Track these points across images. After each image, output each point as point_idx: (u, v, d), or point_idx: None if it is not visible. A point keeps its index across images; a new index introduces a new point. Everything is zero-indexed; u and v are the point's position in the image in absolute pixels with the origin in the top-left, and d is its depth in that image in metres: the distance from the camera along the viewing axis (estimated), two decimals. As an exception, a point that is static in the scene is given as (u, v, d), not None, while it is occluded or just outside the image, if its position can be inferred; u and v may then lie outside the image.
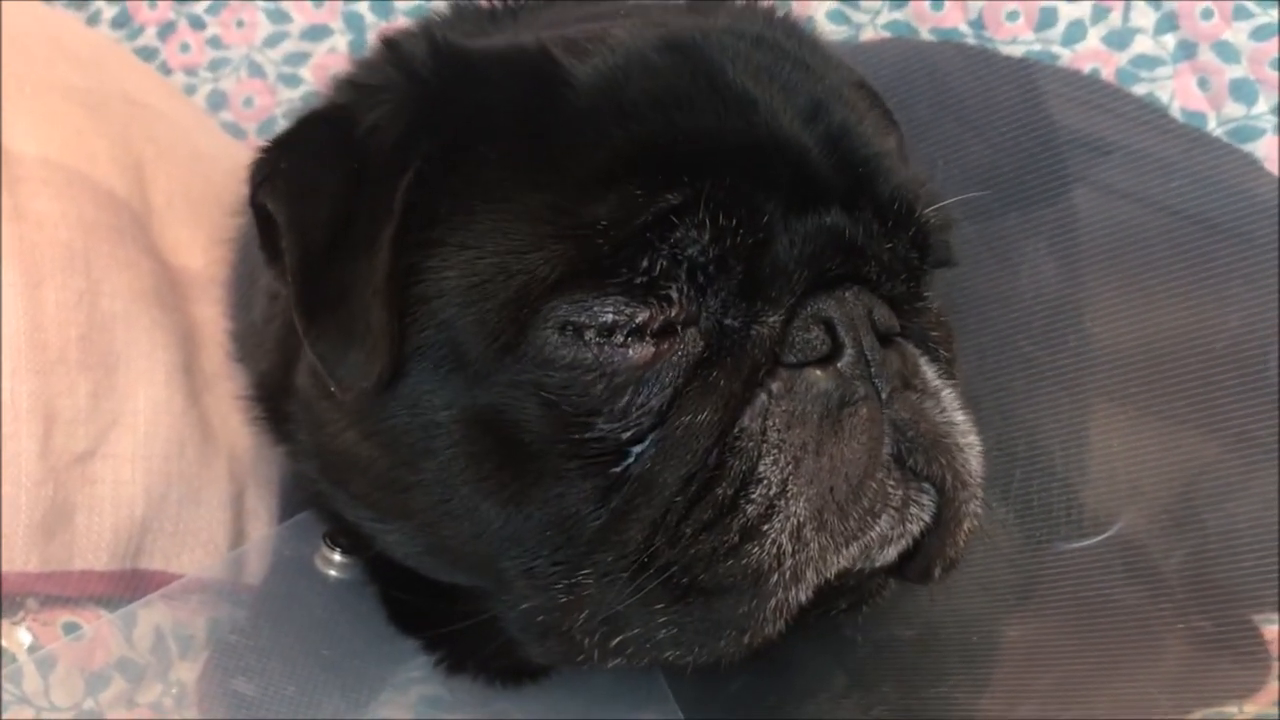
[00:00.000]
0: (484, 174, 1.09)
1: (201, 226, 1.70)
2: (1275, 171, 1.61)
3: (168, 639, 1.38)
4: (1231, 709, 1.22)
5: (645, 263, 1.03)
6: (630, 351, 1.05)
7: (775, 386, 1.05)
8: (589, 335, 1.04)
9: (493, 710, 1.32)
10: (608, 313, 1.04)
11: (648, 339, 1.05)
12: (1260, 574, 1.31)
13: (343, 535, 1.38)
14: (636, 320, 1.04)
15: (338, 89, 1.29)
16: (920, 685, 1.33)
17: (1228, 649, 1.29)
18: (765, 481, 1.03)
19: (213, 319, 1.64)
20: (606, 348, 1.04)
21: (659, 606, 1.06)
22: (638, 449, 1.05)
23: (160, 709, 1.32)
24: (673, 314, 1.05)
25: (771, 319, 1.06)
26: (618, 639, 1.09)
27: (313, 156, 1.14)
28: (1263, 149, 1.66)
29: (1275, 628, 1.30)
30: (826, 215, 1.08)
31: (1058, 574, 1.36)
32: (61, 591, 1.42)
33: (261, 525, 1.61)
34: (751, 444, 1.04)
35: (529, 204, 1.06)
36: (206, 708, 1.32)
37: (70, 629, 1.39)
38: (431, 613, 1.28)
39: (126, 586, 1.47)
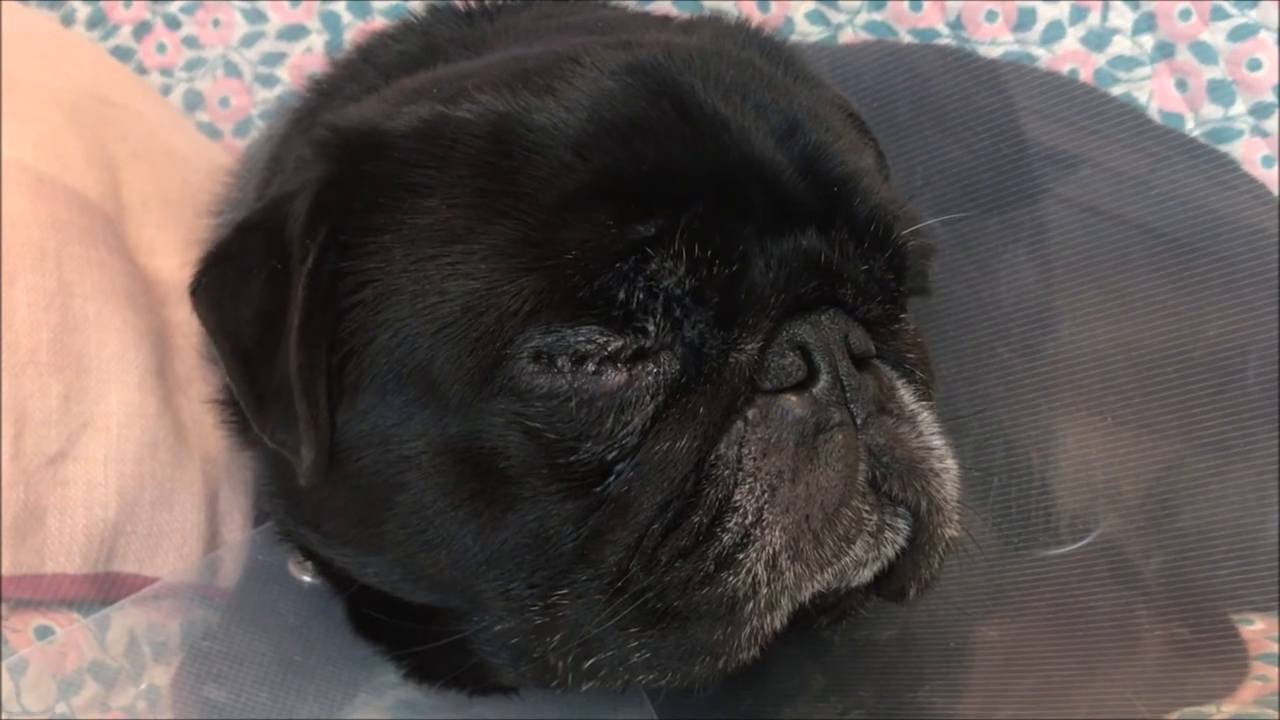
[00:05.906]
0: (424, 221, 1.08)
1: (175, 227, 1.69)
2: (1252, 173, 1.62)
3: (141, 643, 1.37)
4: (1210, 708, 1.22)
5: (622, 295, 1.02)
6: (603, 378, 1.04)
7: (751, 413, 1.04)
8: (561, 362, 1.04)
9: (470, 714, 1.32)
10: (581, 342, 1.03)
11: (620, 364, 1.04)
12: (1240, 574, 1.31)
13: (320, 569, 1.38)
14: (609, 349, 1.03)
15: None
16: (898, 689, 1.33)
17: (1206, 650, 1.29)
18: (741, 510, 1.02)
19: (186, 321, 1.62)
20: (580, 375, 1.04)
21: (633, 630, 1.05)
22: (620, 466, 1.05)
23: (133, 713, 1.31)
24: (647, 344, 1.04)
25: (749, 346, 1.05)
26: (591, 661, 1.09)
27: (237, 263, 1.17)
28: (1241, 150, 1.67)
29: (1252, 627, 1.30)
30: (802, 237, 1.07)
31: (1035, 579, 1.37)
32: (33, 595, 1.41)
33: (236, 527, 1.60)
34: (728, 472, 1.03)
35: (491, 239, 1.05)
36: (180, 713, 1.31)
37: (42, 633, 1.38)
38: (402, 631, 1.27)
39: (99, 590, 1.46)
